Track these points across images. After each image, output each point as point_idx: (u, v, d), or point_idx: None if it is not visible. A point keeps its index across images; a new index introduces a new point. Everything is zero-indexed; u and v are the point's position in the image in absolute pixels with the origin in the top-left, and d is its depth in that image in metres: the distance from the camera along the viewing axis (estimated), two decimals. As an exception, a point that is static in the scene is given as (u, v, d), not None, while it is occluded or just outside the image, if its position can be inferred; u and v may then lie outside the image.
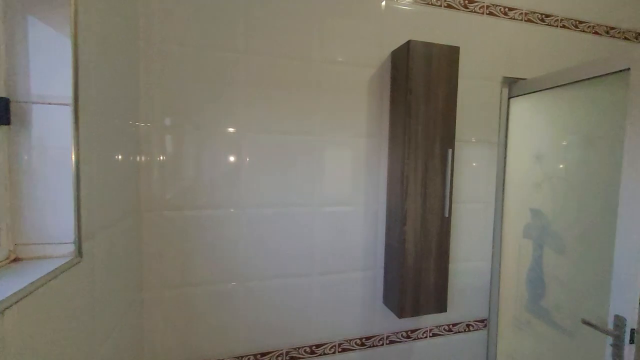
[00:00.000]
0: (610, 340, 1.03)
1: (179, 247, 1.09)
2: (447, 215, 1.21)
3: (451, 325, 1.45)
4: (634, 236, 0.98)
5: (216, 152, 1.12)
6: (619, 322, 1.01)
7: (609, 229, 1.04)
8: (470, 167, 1.43)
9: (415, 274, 1.20)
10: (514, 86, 1.47)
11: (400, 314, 1.19)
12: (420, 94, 1.16)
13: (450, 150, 1.20)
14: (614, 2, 1.60)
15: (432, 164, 1.19)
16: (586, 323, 1.10)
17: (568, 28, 1.53)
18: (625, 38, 1.63)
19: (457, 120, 1.23)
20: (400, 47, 1.21)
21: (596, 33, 1.58)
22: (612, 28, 1.61)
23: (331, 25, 1.21)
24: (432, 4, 1.32)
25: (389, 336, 1.37)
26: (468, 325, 1.48)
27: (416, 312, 1.22)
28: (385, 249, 1.32)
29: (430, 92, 1.17)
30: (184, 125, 1.08)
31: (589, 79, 1.16)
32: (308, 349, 1.26)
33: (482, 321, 1.50)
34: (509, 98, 1.48)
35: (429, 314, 1.24)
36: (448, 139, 1.20)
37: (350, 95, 1.25)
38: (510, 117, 1.48)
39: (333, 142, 1.24)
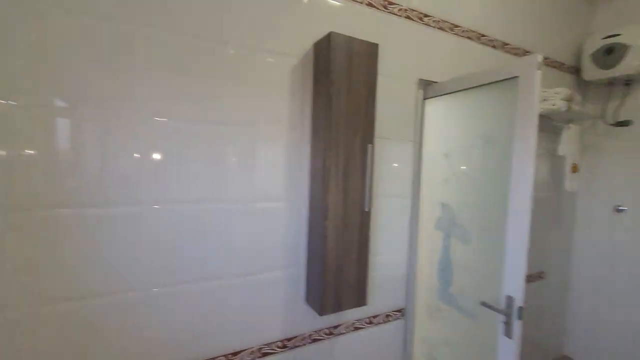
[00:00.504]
0: (502, 318, 1.15)
1: (62, 253, 0.89)
2: (367, 209, 1.23)
3: (372, 318, 1.49)
4: (521, 226, 1.10)
5: (113, 140, 0.94)
6: (509, 301, 1.14)
7: (504, 219, 1.16)
8: (390, 163, 1.48)
9: (337, 270, 1.19)
10: (428, 88, 1.56)
11: (321, 311, 1.16)
12: (341, 87, 1.14)
13: (370, 146, 1.21)
14: (508, 22, 1.83)
15: (353, 159, 1.19)
16: (484, 305, 1.21)
17: (472, 39, 1.69)
18: (515, 54, 1.88)
19: (377, 117, 1.25)
20: (322, 39, 1.18)
21: (494, 46, 1.78)
22: (506, 44, 1.84)
23: (252, 9, 1.12)
24: (354, 0, 1.32)
25: (311, 335, 1.34)
26: (387, 316, 1.54)
27: (338, 308, 1.21)
28: (307, 246, 1.29)
29: (351, 86, 1.16)
30: (55, 105, 0.88)
31: (487, 84, 1.28)
32: (223, 359, 1.15)
33: (399, 311, 1.57)
34: (424, 99, 1.58)
35: (351, 308, 1.24)
36: (368, 134, 1.22)
37: (271, 85, 1.18)
38: (425, 117, 1.58)
39: (252, 133, 1.16)
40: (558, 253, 2.30)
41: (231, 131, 1.12)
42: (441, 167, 1.52)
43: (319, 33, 1.22)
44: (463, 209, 1.41)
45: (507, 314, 1.14)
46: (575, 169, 2.00)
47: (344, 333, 1.42)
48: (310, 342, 1.33)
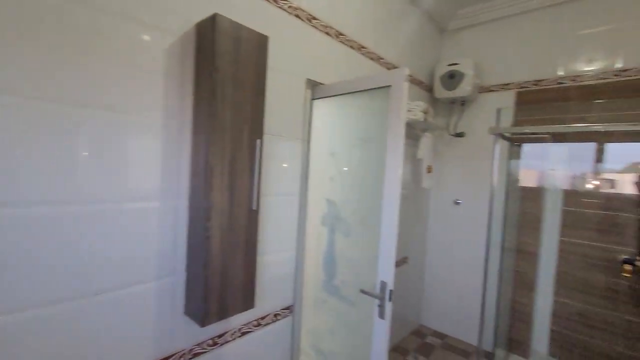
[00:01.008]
0: (377, 301, 1.28)
1: None
2: (254, 208, 1.17)
3: (260, 319, 1.44)
4: (392, 219, 1.25)
5: None
6: (383, 286, 1.28)
7: (379, 213, 1.29)
8: (279, 160, 1.47)
9: (222, 274, 1.10)
10: (316, 89, 1.62)
11: (203, 321, 1.05)
12: (227, 76, 1.06)
13: (259, 141, 1.17)
14: (381, 40, 2.07)
15: (241, 154, 1.12)
16: (363, 292, 1.33)
17: (354, 49, 1.84)
18: (388, 68, 2.15)
19: (267, 113, 1.21)
20: (206, 20, 1.07)
21: (372, 58, 1.99)
22: (381, 58, 2.08)
23: (111, -37, 0.92)
24: (243, -14, 1.25)
25: (192, 349, 1.20)
26: (276, 315, 1.52)
27: (223, 315, 1.11)
28: (187, 250, 1.15)
29: (238, 75, 1.09)
30: None
31: (367, 90, 1.41)
32: (70, 402, 0.91)
33: (288, 308, 1.58)
34: (312, 99, 1.63)
35: (237, 313, 1.16)
36: (257, 129, 1.17)
37: (143, 63, 0.99)
38: (313, 117, 1.63)
39: (117, 120, 0.95)
40: (417, 240, 2.76)
41: (89, 115, 0.89)
42: (327, 165, 1.59)
43: (203, 13, 1.10)
44: (346, 204, 1.52)
45: (381, 297, 1.28)
46: (430, 170, 2.43)
47: (230, 341, 1.33)
48: (191, 358, 1.19)
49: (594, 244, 2.14)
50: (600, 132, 2.12)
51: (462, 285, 2.66)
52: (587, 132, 2.16)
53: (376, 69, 2.03)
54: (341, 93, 1.53)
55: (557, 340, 2.29)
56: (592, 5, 2.14)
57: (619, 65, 2.06)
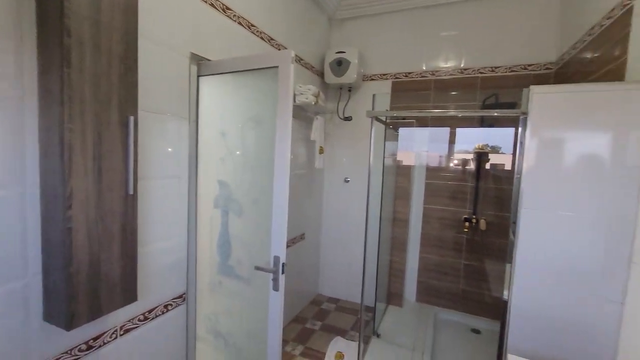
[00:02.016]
0: (271, 275, 1.35)
1: None
2: (131, 192, 1.06)
3: (147, 313, 1.34)
4: (282, 196, 1.31)
5: None
6: (276, 260, 1.34)
7: (271, 192, 1.33)
8: (163, 140, 1.35)
9: (92, 268, 0.97)
10: (202, 65, 1.52)
11: (69, 325, 0.92)
12: (85, 40, 0.90)
13: (132, 118, 1.04)
14: (274, 22, 2.07)
15: (109, 133, 0.99)
16: (258, 268, 1.37)
17: (243, 26, 1.79)
18: (278, 48, 2.16)
19: (143, 88, 1.08)
20: (48, -33, 0.87)
21: (262, 38, 1.97)
22: (272, 39, 2.08)
23: None
24: None
25: (58, 358, 1.04)
26: (166, 306, 1.43)
27: (97, 314, 0.99)
28: (43, 247, 0.97)
29: (100, 41, 0.94)
30: None
31: (256, 70, 1.40)
32: None
33: (180, 296, 1.51)
34: (199, 76, 1.52)
35: (116, 309, 1.06)
36: (129, 105, 1.04)
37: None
38: (201, 95, 1.53)
39: None
40: (313, 216, 2.95)
41: None
42: (218, 146, 1.54)
43: (43, -43, 0.90)
44: (238, 185, 1.51)
45: (275, 271, 1.34)
46: (321, 151, 2.60)
47: (110, 341, 1.20)
48: (56, 369, 1.03)
49: (447, 208, 2.68)
50: (452, 118, 2.63)
51: (351, 254, 2.99)
52: (443, 117, 2.66)
53: (267, 50, 2.03)
54: (229, 71, 1.48)
55: (421, 288, 2.82)
56: (450, 12, 2.57)
57: (462, 64, 2.56)
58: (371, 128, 1.72)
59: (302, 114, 2.52)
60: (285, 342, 2.32)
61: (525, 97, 1.36)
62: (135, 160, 1.06)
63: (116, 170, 1.02)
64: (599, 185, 1.24)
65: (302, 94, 2.35)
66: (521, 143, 1.35)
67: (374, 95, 1.79)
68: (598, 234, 1.24)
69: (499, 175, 2.50)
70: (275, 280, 1.34)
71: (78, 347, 1.09)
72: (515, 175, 1.35)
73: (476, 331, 2.48)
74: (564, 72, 2.10)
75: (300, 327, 2.54)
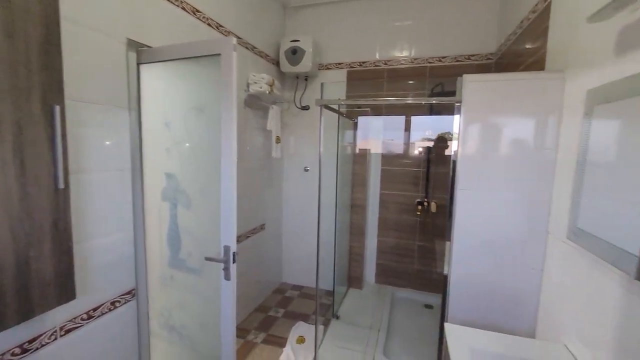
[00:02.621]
0: (222, 265, 1.35)
1: None
2: (62, 186, 1.01)
3: (91, 311, 1.29)
4: (230, 185, 1.31)
5: None
6: (227, 250, 1.35)
7: (219, 182, 1.32)
8: (100, 131, 1.28)
9: (20, 268, 0.92)
10: (142, 52, 1.45)
11: (-5, 327, 0.87)
12: (-7, 23, 0.83)
13: (58, 107, 0.98)
14: (223, 8, 2.00)
15: (31, 123, 0.93)
16: (208, 259, 1.36)
17: (187, 11, 1.72)
18: (227, 35, 2.11)
19: (79, 78, 1.03)
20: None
21: (209, 25, 1.91)
22: (221, 26, 2.02)
23: None
24: None
25: (-12, 366, 0.98)
26: (113, 303, 1.39)
27: (26, 315, 0.95)
28: (-41, 248, 0.90)
29: (14, 26, 0.87)
30: None
31: (199, 57, 1.37)
32: None
33: (129, 292, 1.47)
34: (139, 64, 1.46)
35: (51, 309, 1.01)
36: (53, 93, 0.98)
37: None
38: (143, 83, 1.47)
39: None
40: (273, 207, 2.95)
41: None
42: (163, 136, 1.49)
43: None
44: (186, 176, 1.48)
45: (226, 261, 1.35)
46: (278, 140, 2.60)
47: (50, 343, 1.15)
48: (-14, 376, 0.98)
49: (402, 193, 2.81)
50: (405, 107, 2.73)
51: (312, 242, 3.04)
52: (397, 106, 2.75)
53: (215, 37, 1.97)
54: (169, 59, 1.43)
55: (380, 270, 2.96)
56: (403, 1, 2.63)
57: (413, 54, 2.66)
58: (320, 117, 1.75)
59: (258, 103, 2.49)
60: (246, 331, 2.34)
61: (460, 86, 1.45)
62: (65, 153, 1.00)
63: (42, 163, 0.96)
64: (522, 166, 1.37)
65: (256, 82, 2.33)
66: (458, 128, 1.45)
67: (322, 84, 1.81)
68: (522, 210, 1.38)
69: (447, 160, 2.66)
70: (227, 269, 1.35)
71: (11, 351, 1.03)
72: (452, 159, 1.45)
73: (429, 306, 2.65)
74: (502, 63, 2.25)
75: (263, 316, 2.57)
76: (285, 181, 3.12)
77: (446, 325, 1.28)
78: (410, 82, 2.68)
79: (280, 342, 2.21)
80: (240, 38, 2.23)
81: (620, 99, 0.91)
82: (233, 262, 1.35)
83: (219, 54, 1.29)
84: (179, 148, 1.48)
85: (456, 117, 1.46)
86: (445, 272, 1.56)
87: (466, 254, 1.47)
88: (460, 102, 1.43)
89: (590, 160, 1.03)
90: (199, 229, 1.49)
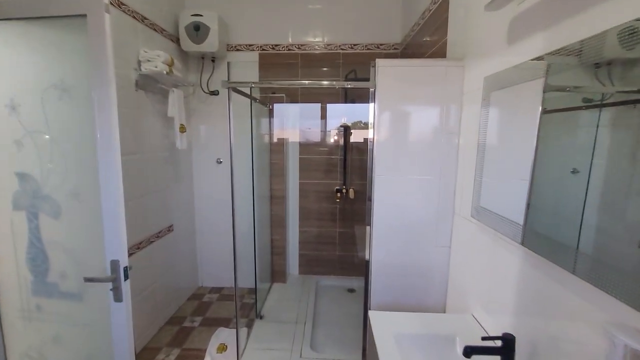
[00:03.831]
0: (110, 285, 1.08)
1: None
2: None
3: None
4: (113, 184, 1.04)
5: None
6: (115, 266, 1.08)
7: (98, 182, 1.04)
8: None
9: None
10: (-39, 5, 1.03)
11: None
12: None
13: None
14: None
15: None
16: (89, 280, 1.08)
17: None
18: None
19: None
20: None
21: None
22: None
23: None
24: None
25: None
26: (-59, 358, 1.00)
27: None
28: None
29: None
30: None
31: (56, 17, 1.03)
32: None
33: (-30, 338, 1.08)
34: (-42, 22, 1.04)
35: None
36: None
37: None
38: (-32, 50, 1.05)
39: None
40: (183, 205, 2.62)
41: None
42: (8, 125, 1.11)
43: None
44: (49, 177, 1.14)
45: (114, 279, 1.08)
46: (182, 129, 2.28)
47: None
48: None
49: (321, 181, 2.79)
50: (321, 94, 2.68)
51: (230, 238, 2.82)
52: (312, 93, 2.69)
53: None
54: (15, 17, 1.05)
55: (303, 261, 2.92)
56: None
57: (326, 40, 2.61)
58: (228, 101, 1.55)
59: (155, 86, 2.12)
60: (156, 350, 2.04)
61: (374, 73, 1.43)
62: None
63: None
64: (431, 151, 1.43)
65: (149, 60, 1.96)
66: (373, 115, 1.43)
67: (228, 63, 1.61)
68: (432, 192, 1.45)
69: (363, 148, 2.72)
70: (117, 289, 1.09)
71: None
72: (369, 146, 1.44)
73: (351, 290, 2.73)
74: (406, 53, 2.37)
75: (176, 329, 2.27)
76: (196, 175, 2.79)
77: (370, 313, 1.28)
78: (325, 68, 2.64)
79: (198, 355, 1.99)
80: (124, 4, 1.83)
81: (509, 85, 0.98)
82: (125, 279, 1.10)
83: (85, 15, 0.99)
84: (36, 140, 1.12)
85: (371, 105, 1.44)
86: (367, 257, 1.57)
87: (384, 238, 1.50)
88: (374, 87, 1.41)
89: (489, 143, 1.11)
90: (75, 243, 1.17)
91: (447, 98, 1.39)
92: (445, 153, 1.42)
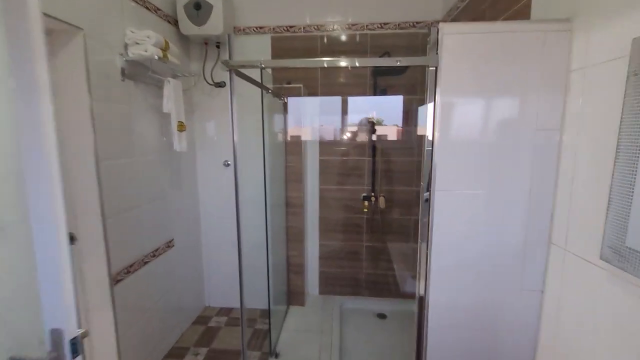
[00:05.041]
0: (52, 365, 0.71)
1: None
2: None
3: None
4: (53, 208, 0.67)
5: None
6: (57, 336, 0.71)
7: (22, 210, 0.67)
8: None
9: None
10: None
11: None
12: None
13: None
14: None
15: None
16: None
17: None
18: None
19: None
20: None
21: None
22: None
23: None
24: None
25: None
26: None
27: None
28: None
29: None
30: None
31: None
32: None
33: None
34: None
35: None
36: None
37: None
38: None
39: None
40: (185, 215, 2.26)
41: None
42: None
43: None
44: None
45: (57, 357, 0.71)
46: (182, 127, 1.90)
47: None
48: None
49: (344, 187, 2.38)
50: (344, 86, 2.27)
51: (244, 253, 2.46)
52: (337, 84, 2.28)
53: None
54: None
55: (324, 279, 2.53)
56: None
57: (350, 20, 2.19)
58: (230, 85, 1.16)
59: (147, 76, 1.74)
60: (150, 396, 1.69)
61: (434, 44, 1.01)
62: None
63: None
64: (515, 155, 1.00)
65: (137, 43, 1.59)
66: (433, 106, 1.02)
67: (228, 36, 1.20)
68: (516, 213, 1.02)
69: (391, 148, 2.30)
70: (61, 371, 0.71)
71: None
72: (426, 148, 1.02)
73: (382, 316, 2.32)
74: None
75: (177, 363, 1.93)
76: (201, 180, 2.43)
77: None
78: (349, 55, 2.22)
79: (200, 404, 1.63)
80: (104, -27, 1.46)
81: None
82: (75, 355, 0.73)
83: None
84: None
85: (429, 92, 1.03)
86: (421, 293, 1.15)
87: (445, 275, 1.08)
88: (437, 65, 0.99)
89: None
90: None
91: (544, 78, 0.96)
92: (539, 159, 0.99)
